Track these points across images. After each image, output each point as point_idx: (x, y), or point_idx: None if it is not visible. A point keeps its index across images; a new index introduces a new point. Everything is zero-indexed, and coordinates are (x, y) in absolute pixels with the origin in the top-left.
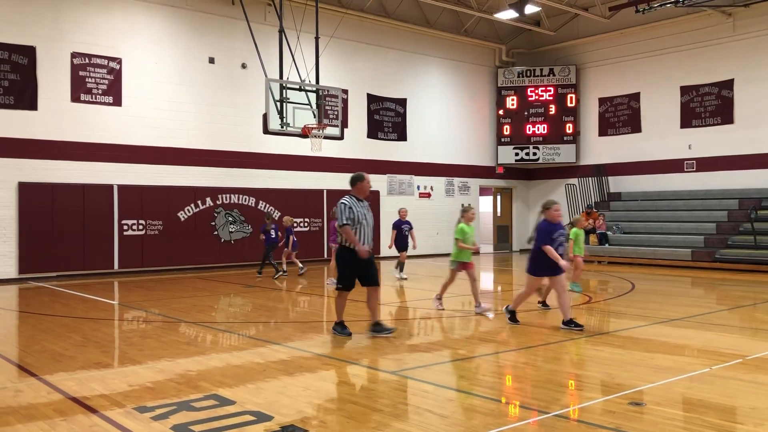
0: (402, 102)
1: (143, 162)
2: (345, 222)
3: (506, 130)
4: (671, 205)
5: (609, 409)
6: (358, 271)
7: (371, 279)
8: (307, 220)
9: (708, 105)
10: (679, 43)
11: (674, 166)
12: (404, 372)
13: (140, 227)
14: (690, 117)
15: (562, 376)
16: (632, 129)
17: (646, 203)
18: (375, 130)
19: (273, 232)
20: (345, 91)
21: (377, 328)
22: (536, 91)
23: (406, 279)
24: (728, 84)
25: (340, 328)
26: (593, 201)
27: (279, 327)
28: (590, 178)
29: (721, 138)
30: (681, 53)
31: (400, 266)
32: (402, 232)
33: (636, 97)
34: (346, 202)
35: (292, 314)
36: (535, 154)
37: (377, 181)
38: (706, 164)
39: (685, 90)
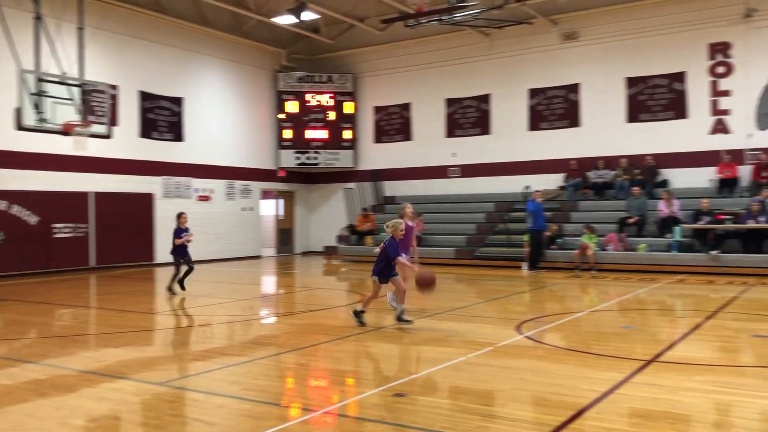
0: (178, 101)
1: None
2: None
3: (287, 134)
4: (439, 207)
5: (375, 402)
6: None
7: None
8: (70, 225)
9: (470, 117)
10: (445, 59)
11: (441, 172)
12: (174, 382)
13: None
14: (454, 127)
15: (333, 374)
16: (404, 137)
17: (418, 207)
18: (149, 130)
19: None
20: (114, 87)
21: None
22: (315, 97)
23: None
24: (485, 98)
25: None
26: (369, 204)
27: (34, 343)
28: (367, 183)
29: (481, 147)
30: (446, 68)
31: None
32: None
33: (407, 107)
34: None
35: (51, 329)
36: (315, 158)
37: (151, 184)
38: (469, 171)
39: (450, 102)
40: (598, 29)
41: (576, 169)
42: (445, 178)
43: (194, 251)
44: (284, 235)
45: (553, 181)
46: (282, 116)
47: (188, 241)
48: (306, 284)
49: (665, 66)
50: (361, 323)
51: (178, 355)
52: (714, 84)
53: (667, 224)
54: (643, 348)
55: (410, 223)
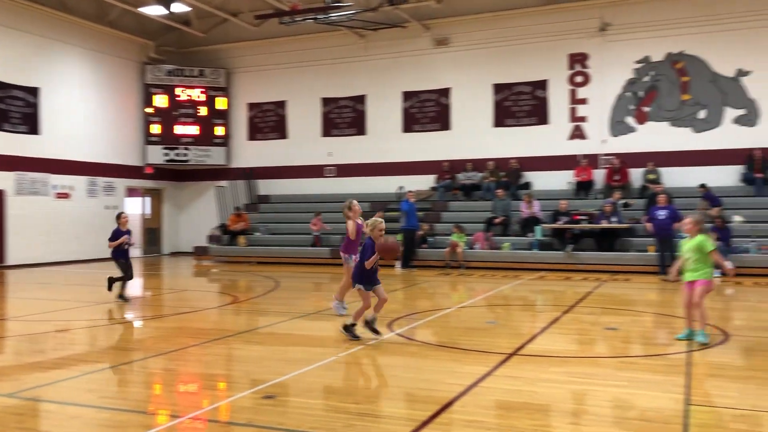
0: (33, 91)
1: None
2: None
3: (155, 129)
4: (314, 207)
5: (243, 405)
6: None
7: None
8: None
9: (346, 117)
10: (321, 58)
11: (317, 171)
12: (23, 393)
13: None
14: (330, 127)
15: (201, 379)
16: (279, 135)
17: (292, 205)
18: (0, 121)
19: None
20: None
21: None
22: (186, 92)
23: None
24: (361, 99)
25: None
26: (243, 203)
27: None
28: (240, 181)
29: (356, 147)
30: (322, 67)
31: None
32: None
33: (282, 104)
34: None
35: None
36: (185, 155)
37: (2, 179)
38: (345, 170)
39: (326, 101)
40: (468, 36)
41: (447, 170)
42: (320, 177)
43: (53, 252)
44: (151, 235)
45: (425, 182)
46: (150, 110)
47: (128, 244)
48: (174, 286)
49: (529, 74)
50: (355, 337)
51: (29, 364)
52: (573, 92)
53: (528, 224)
54: (506, 342)
55: (360, 222)
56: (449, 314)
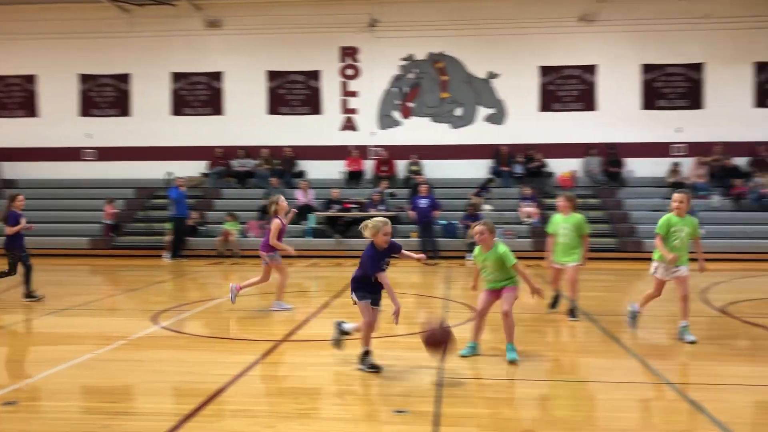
0: None
1: None
2: None
3: None
4: (70, 193)
5: None
6: None
7: None
8: None
9: (107, 96)
10: (78, 30)
11: (74, 154)
12: None
13: None
14: (89, 106)
15: None
16: (28, 113)
17: (45, 191)
18: None
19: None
20: None
21: None
22: None
23: None
24: (124, 78)
25: None
26: None
27: None
28: None
29: (120, 129)
30: (80, 40)
31: None
32: None
33: (31, 79)
34: None
35: None
36: None
37: None
38: (107, 154)
39: (84, 78)
40: (241, 20)
41: (220, 156)
42: (78, 160)
43: None
44: None
45: (196, 168)
46: None
47: (27, 229)
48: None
49: (302, 63)
50: (374, 367)
51: None
52: (344, 84)
53: (303, 212)
54: (278, 329)
55: (285, 221)
56: (221, 304)
